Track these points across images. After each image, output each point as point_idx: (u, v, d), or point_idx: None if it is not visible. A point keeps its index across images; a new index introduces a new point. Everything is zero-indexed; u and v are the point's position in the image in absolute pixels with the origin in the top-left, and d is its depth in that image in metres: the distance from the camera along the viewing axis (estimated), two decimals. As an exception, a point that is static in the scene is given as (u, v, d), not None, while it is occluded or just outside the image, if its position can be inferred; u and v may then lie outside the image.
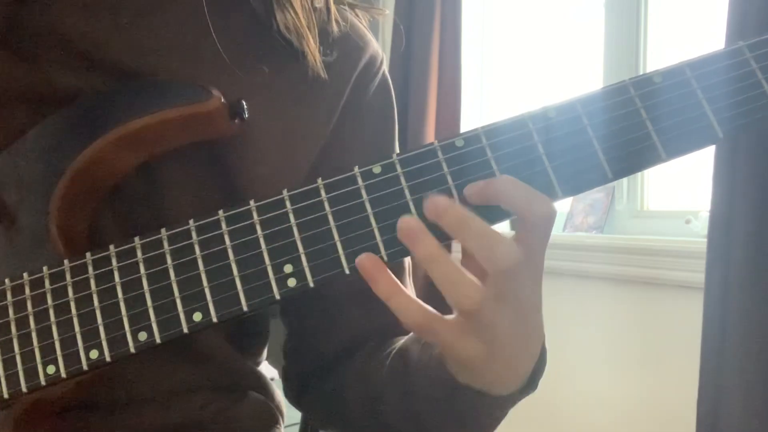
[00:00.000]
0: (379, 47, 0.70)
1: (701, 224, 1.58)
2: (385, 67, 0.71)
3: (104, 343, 0.48)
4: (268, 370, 0.73)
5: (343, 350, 0.67)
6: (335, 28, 0.65)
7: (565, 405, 1.87)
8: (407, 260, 0.68)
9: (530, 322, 0.49)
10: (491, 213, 0.47)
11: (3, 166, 0.55)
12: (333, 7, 0.65)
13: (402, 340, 0.63)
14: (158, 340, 0.48)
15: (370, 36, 0.70)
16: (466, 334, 0.47)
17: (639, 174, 1.85)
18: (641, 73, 1.86)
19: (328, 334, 0.68)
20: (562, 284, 1.90)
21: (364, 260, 0.46)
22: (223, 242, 0.48)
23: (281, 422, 0.71)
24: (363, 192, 0.48)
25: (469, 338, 0.47)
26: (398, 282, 0.46)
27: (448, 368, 0.53)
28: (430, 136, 2.17)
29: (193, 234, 0.49)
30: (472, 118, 2.38)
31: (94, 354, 0.48)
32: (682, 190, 1.82)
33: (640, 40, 1.87)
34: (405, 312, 0.46)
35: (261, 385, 0.70)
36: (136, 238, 0.49)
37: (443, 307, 0.47)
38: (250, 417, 0.66)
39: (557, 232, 2.01)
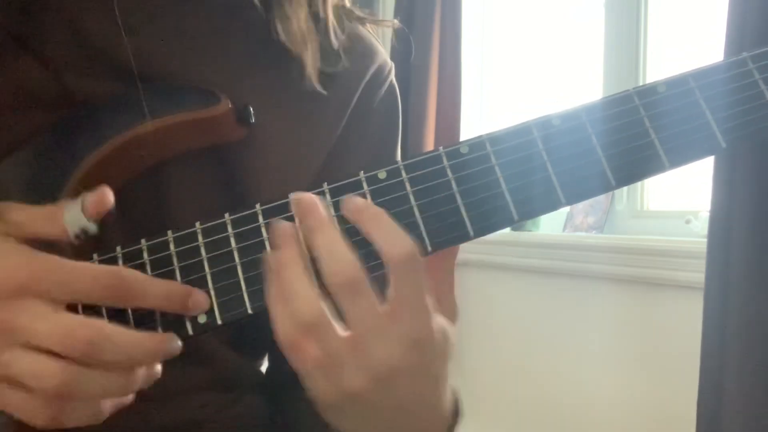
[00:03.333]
0: (388, 57, 0.71)
1: (701, 224, 1.58)
2: (393, 76, 0.71)
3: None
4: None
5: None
6: (334, 40, 0.65)
7: (564, 405, 1.88)
8: None
9: (412, 390, 0.46)
10: (494, 218, 0.48)
11: (14, 168, 0.55)
12: (331, 18, 0.65)
13: None
14: None
15: (379, 46, 0.70)
16: (325, 373, 0.45)
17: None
18: (641, 73, 1.88)
19: None
20: (562, 284, 1.91)
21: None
22: (229, 245, 0.49)
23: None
24: (368, 197, 0.48)
25: (327, 380, 0.45)
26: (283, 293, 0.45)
27: None
28: (429, 135, 2.17)
29: (199, 236, 0.49)
30: (472, 118, 2.38)
31: None
32: (682, 190, 1.82)
33: (640, 41, 1.87)
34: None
35: (262, 383, 0.70)
36: (143, 240, 0.50)
37: None
38: (250, 415, 0.66)
39: (557, 231, 2.02)
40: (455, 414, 0.53)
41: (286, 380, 0.69)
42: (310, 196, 0.46)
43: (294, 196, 0.46)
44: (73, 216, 0.46)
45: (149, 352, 0.46)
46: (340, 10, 0.67)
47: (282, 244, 0.45)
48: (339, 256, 0.44)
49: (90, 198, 0.47)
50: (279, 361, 0.71)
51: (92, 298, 0.45)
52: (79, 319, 0.44)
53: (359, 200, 0.46)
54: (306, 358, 0.45)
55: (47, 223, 0.46)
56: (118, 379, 0.45)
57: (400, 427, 0.48)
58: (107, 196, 0.48)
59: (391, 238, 0.44)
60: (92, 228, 0.47)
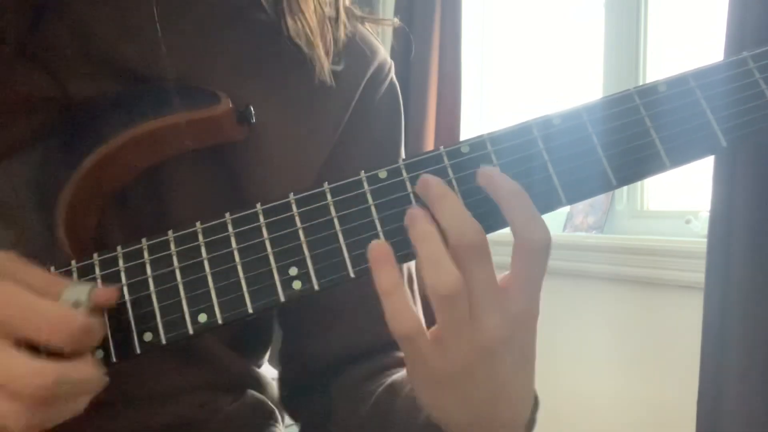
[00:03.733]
0: (387, 55, 0.71)
1: (701, 224, 1.58)
2: (393, 75, 0.71)
3: (111, 345, 0.48)
4: (268, 370, 0.74)
5: (335, 363, 0.67)
6: (343, 35, 0.65)
7: (564, 405, 1.88)
8: (410, 267, 0.68)
9: (512, 368, 0.48)
10: (491, 220, 0.47)
11: (13, 170, 0.55)
12: (343, 15, 0.65)
13: (396, 374, 0.63)
14: (164, 341, 0.48)
15: (378, 44, 0.70)
16: (442, 347, 0.46)
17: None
18: (641, 73, 1.88)
19: (321, 345, 0.67)
20: (562, 284, 1.91)
21: (376, 247, 0.45)
22: (230, 245, 0.49)
23: (281, 421, 0.71)
24: (369, 196, 0.48)
25: (443, 354, 0.46)
26: (402, 281, 0.45)
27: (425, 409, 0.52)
28: (430, 135, 2.17)
29: (200, 236, 0.49)
30: (472, 118, 2.38)
31: (99, 354, 0.48)
32: (682, 190, 1.82)
33: (640, 40, 1.87)
34: (397, 315, 0.45)
35: (260, 384, 0.70)
36: (143, 240, 0.50)
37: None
38: (247, 415, 0.66)
39: (557, 231, 2.01)
40: (535, 403, 0.54)
41: (300, 380, 0.69)
42: (436, 180, 0.46)
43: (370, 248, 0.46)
44: (74, 297, 0.45)
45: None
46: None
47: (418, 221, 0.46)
48: (466, 221, 0.45)
49: (102, 291, 0.47)
50: (294, 360, 0.71)
51: (50, 342, 0.43)
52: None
53: (499, 173, 0.47)
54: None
55: (42, 289, 0.45)
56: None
57: (495, 408, 0.49)
58: (116, 296, 0.48)
59: (532, 224, 0.45)
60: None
